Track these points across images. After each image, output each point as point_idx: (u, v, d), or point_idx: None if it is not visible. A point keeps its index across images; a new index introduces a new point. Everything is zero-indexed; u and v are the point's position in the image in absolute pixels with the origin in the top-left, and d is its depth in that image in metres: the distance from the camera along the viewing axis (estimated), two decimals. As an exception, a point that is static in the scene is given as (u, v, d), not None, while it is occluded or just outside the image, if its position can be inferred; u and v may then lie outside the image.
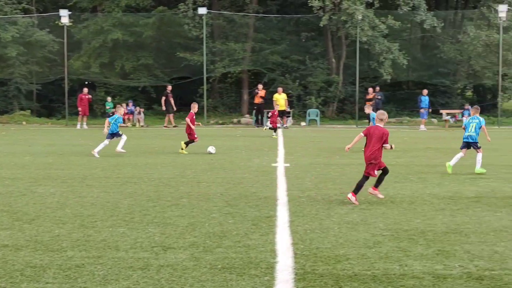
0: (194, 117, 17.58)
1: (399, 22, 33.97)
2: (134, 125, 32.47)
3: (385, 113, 9.52)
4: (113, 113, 31.08)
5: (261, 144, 19.16)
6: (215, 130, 29.37)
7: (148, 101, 37.23)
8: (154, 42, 37.26)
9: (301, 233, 7.08)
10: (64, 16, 31.85)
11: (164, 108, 31.50)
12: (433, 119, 33.85)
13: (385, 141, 9.13)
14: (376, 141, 9.08)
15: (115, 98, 33.67)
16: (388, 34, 34.52)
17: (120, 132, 16.41)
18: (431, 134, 26.01)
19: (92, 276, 5.48)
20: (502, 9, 32.76)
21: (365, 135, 9.28)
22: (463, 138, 13.14)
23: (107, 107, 32.32)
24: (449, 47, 36.87)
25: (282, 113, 30.41)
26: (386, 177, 9.43)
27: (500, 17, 32.99)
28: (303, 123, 33.10)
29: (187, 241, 6.68)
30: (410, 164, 14.30)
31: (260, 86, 32.26)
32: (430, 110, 31.62)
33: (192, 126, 17.10)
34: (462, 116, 32.50)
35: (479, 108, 13.47)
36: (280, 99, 30.41)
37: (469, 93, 43.77)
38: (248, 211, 8.41)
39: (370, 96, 31.87)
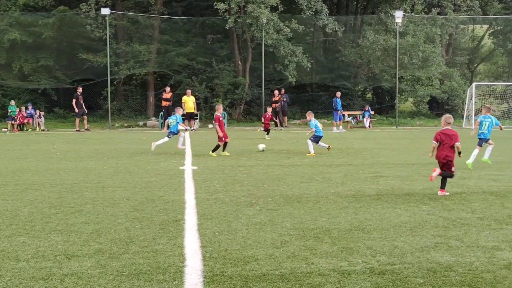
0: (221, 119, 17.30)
1: (303, 26, 34.83)
2: (34, 129, 31.14)
3: (452, 116, 10.64)
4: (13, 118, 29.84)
5: (168, 147, 18.93)
6: (120, 133, 28.74)
7: (49, 104, 35.87)
8: (55, 43, 35.95)
9: (209, 236, 7.07)
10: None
11: (77, 110, 30.26)
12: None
13: (457, 140, 10.11)
14: (449, 143, 10.10)
15: (14, 101, 32.12)
16: (292, 38, 35.34)
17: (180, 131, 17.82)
18: (333, 134, 26.83)
19: (-10, 289, 5.19)
20: (398, 15, 34.47)
21: (438, 140, 10.21)
22: (478, 135, 14.40)
23: (9, 111, 30.74)
24: (350, 50, 38.25)
25: (190, 116, 30.30)
26: (296, 179, 9.61)
27: (396, 22, 34.69)
28: (210, 126, 33.10)
29: (92, 248, 6.48)
30: (315, 164, 14.67)
31: (168, 89, 31.95)
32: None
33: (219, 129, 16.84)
34: (363, 117, 33.92)
35: (490, 107, 14.76)
36: (189, 102, 30.27)
37: (369, 95, 45.59)
38: (155, 215, 8.29)
39: (276, 98, 32.45)
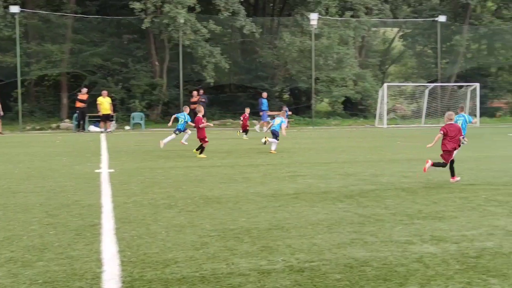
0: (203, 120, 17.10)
1: (220, 27, 34.87)
2: None
3: (453, 113, 11.96)
4: None
5: (83, 150, 18.43)
6: (32, 136, 27.63)
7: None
8: (-40, 41, 34.05)
9: (127, 240, 6.93)
10: None
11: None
12: (254, 121, 35.24)
13: (460, 134, 11.49)
14: (453, 135, 11.35)
15: None
16: (210, 38, 35.27)
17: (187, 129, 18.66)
18: (253, 135, 27.03)
19: None
20: (313, 17, 35.25)
21: (444, 133, 11.39)
22: None
23: None
24: (267, 52, 38.70)
25: (106, 117, 29.61)
26: (216, 180, 9.60)
27: (312, 24, 35.44)
28: (127, 127, 32.51)
29: (4, 257, 6.18)
30: (235, 165, 14.73)
31: (84, 90, 31.02)
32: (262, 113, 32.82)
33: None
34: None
35: (464, 106, 15.35)
36: (105, 103, 29.58)
37: (286, 96, 46.28)
38: (70, 220, 8.02)
39: (194, 99, 32.30)
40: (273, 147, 18.10)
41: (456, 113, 15.13)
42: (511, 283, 5.34)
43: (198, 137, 16.70)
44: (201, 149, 16.73)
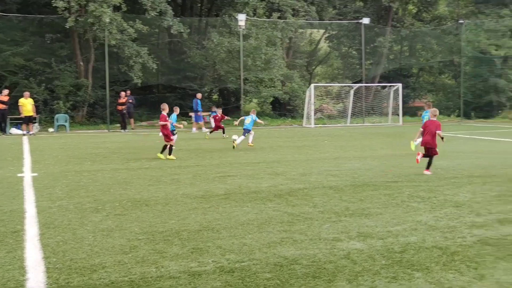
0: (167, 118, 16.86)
1: (147, 27, 34.38)
2: None
3: (437, 110, 13.53)
4: None
5: (4, 153, 17.71)
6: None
7: None
8: None
9: (53, 246, 6.71)
10: None
11: None
12: (183, 122, 35.00)
13: (438, 129, 12.59)
14: (432, 130, 12.58)
15: None
16: (137, 38, 34.70)
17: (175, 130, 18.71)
18: (182, 135, 26.82)
19: None
20: (241, 18, 35.38)
21: (424, 128, 12.92)
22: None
23: None
24: (196, 52, 38.49)
25: (29, 119, 28.60)
26: (144, 182, 9.44)
27: (240, 25, 35.56)
28: (51, 129, 31.47)
29: None
30: (163, 166, 14.56)
31: (5, 91, 29.74)
32: (193, 114, 32.52)
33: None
34: (210, 118, 34.23)
35: (431, 103, 16.77)
36: (27, 104, 28.52)
37: (215, 96, 46.24)
38: (-9, 227, 7.68)
39: (122, 100, 31.71)
40: (245, 140, 20.10)
41: (424, 110, 16.64)
42: (434, 276, 5.56)
43: (164, 135, 16.69)
44: (165, 149, 16.52)
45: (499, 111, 41.55)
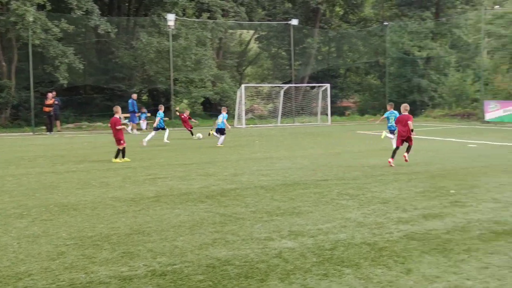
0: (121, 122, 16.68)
1: (73, 26, 33.47)
2: None
3: (408, 105, 14.70)
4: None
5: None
6: None
7: None
8: None
9: (-26, 254, 6.41)
10: None
11: None
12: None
13: (409, 120, 14.10)
14: (405, 123, 14.16)
15: None
16: (63, 38, 33.71)
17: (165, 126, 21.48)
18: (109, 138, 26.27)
19: None
20: (170, 18, 35.08)
21: (397, 122, 14.75)
22: (388, 127, 17.29)
23: None
24: (124, 52, 37.80)
25: None
26: (71, 186, 9.17)
27: (169, 25, 35.23)
28: (-29, 132, 30.09)
29: None
30: (91, 169, 14.22)
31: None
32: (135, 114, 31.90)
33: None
34: (140, 119, 33.75)
35: (393, 104, 17.64)
36: None
37: (145, 97, 45.57)
38: None
39: (49, 101, 30.66)
40: (219, 141, 21.05)
41: (387, 110, 17.53)
42: (363, 272, 5.70)
43: (116, 139, 16.12)
44: (120, 153, 16.10)
45: (422, 110, 43.13)
